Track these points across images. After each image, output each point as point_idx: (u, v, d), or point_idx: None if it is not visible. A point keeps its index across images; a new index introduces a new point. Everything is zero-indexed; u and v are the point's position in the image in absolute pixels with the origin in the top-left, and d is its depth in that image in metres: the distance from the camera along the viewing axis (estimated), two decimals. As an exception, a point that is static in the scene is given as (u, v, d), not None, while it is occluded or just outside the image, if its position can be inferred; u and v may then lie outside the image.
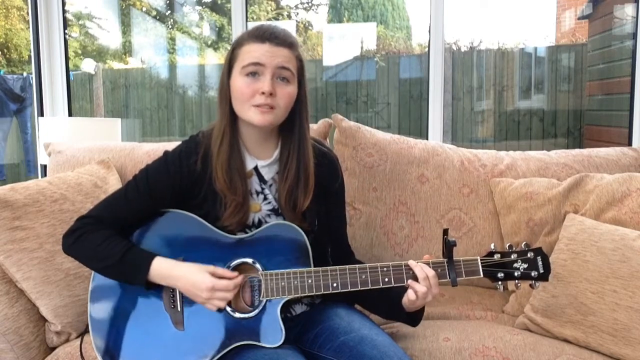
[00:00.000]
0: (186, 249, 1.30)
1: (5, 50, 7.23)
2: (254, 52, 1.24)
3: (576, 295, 1.46)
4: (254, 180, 1.34)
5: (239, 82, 1.26)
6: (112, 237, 1.27)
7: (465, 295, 1.78)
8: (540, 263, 1.27)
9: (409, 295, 1.25)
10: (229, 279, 1.24)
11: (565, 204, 1.66)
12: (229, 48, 1.31)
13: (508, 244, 1.29)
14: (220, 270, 1.25)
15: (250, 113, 1.25)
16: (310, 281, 1.24)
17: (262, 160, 1.34)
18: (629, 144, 2.73)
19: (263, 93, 1.23)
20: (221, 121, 1.30)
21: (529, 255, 1.27)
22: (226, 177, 1.27)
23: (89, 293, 1.33)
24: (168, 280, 1.25)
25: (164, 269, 1.25)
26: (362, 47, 5.18)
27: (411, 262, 1.26)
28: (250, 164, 1.34)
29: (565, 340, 1.46)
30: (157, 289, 1.28)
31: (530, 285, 1.28)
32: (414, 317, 1.34)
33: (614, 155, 1.86)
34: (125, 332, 1.29)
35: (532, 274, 1.26)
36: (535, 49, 4.94)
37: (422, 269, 1.24)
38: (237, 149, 1.31)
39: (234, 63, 1.28)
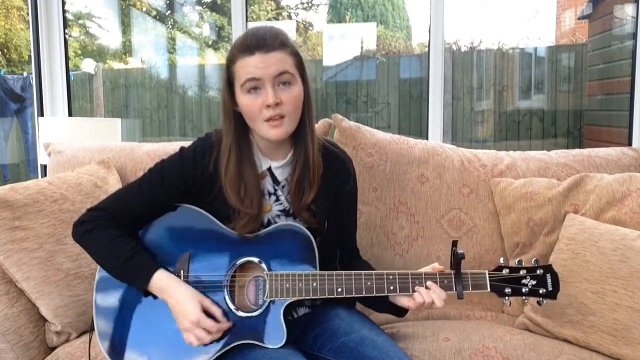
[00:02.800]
0: (194, 245, 1.31)
1: (5, 50, 7.23)
2: (247, 67, 1.22)
3: (576, 295, 1.46)
4: (267, 181, 1.35)
5: (243, 100, 1.25)
6: (121, 237, 1.28)
7: (466, 295, 1.77)
8: (549, 280, 1.25)
9: (409, 302, 1.25)
10: (218, 321, 1.23)
11: (565, 204, 1.66)
12: (229, 48, 1.31)
13: (518, 259, 1.28)
14: (214, 309, 1.24)
15: (264, 130, 1.25)
16: (315, 284, 1.24)
17: (276, 162, 1.35)
18: (629, 144, 2.72)
19: (269, 106, 1.22)
20: (227, 138, 1.30)
21: (538, 272, 1.26)
22: (236, 194, 1.27)
23: (95, 283, 1.34)
24: (163, 295, 1.26)
25: (163, 284, 1.26)
26: (362, 47, 5.18)
27: (430, 284, 1.25)
28: (264, 165, 1.34)
29: (565, 340, 1.46)
30: None
31: (538, 302, 1.26)
32: (401, 310, 1.33)
33: (614, 155, 1.86)
34: (129, 325, 1.30)
35: (541, 291, 1.25)
36: (535, 49, 4.94)
37: (439, 295, 1.24)
38: (247, 158, 1.30)
39: (233, 81, 1.27)
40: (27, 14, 4.24)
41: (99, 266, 1.35)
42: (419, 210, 1.83)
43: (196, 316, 1.21)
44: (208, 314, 1.23)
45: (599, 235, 1.48)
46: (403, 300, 1.27)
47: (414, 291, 1.24)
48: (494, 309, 1.71)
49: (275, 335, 1.23)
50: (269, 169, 1.35)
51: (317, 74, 5.08)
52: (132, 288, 1.32)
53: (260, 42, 1.22)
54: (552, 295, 1.26)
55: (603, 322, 1.41)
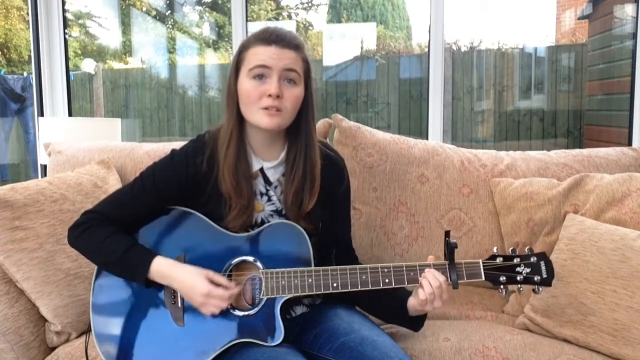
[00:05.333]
0: (188, 246, 1.31)
1: (5, 50, 7.23)
2: (260, 54, 1.25)
3: (576, 295, 1.46)
4: (259, 181, 1.35)
5: (246, 84, 1.26)
6: (116, 233, 1.29)
7: (465, 295, 1.78)
8: (543, 268, 1.25)
9: (420, 295, 1.24)
10: (226, 287, 1.24)
11: (565, 204, 1.66)
12: (229, 48, 1.32)
13: (511, 248, 1.28)
14: (218, 277, 1.25)
15: (258, 116, 1.26)
16: (310, 280, 1.25)
17: (268, 162, 1.35)
18: (629, 144, 2.73)
19: (270, 95, 1.23)
20: (228, 124, 1.31)
21: (532, 259, 1.26)
22: (233, 180, 1.28)
23: (92, 285, 1.35)
24: (167, 280, 1.27)
25: (164, 268, 1.26)
26: (362, 47, 5.18)
27: (428, 272, 1.25)
28: (256, 165, 1.34)
29: (565, 340, 1.46)
30: (158, 285, 1.29)
31: (533, 290, 1.26)
32: (417, 322, 1.35)
33: (614, 155, 1.86)
34: (125, 326, 1.31)
35: (535, 279, 1.25)
36: (535, 49, 4.94)
37: (434, 277, 1.23)
38: (243, 151, 1.31)
39: (240, 66, 1.28)
40: (27, 14, 4.24)
41: (95, 268, 1.35)
42: (419, 210, 1.83)
43: (206, 288, 1.22)
44: (216, 285, 1.24)
45: (599, 235, 1.48)
46: (414, 302, 1.27)
47: (408, 282, 1.25)
48: (494, 309, 1.71)
49: (273, 333, 1.24)
50: (261, 170, 1.35)
51: (317, 74, 5.07)
52: (129, 289, 1.32)
53: (279, 37, 1.25)
54: (547, 282, 1.26)
55: (603, 322, 1.41)
